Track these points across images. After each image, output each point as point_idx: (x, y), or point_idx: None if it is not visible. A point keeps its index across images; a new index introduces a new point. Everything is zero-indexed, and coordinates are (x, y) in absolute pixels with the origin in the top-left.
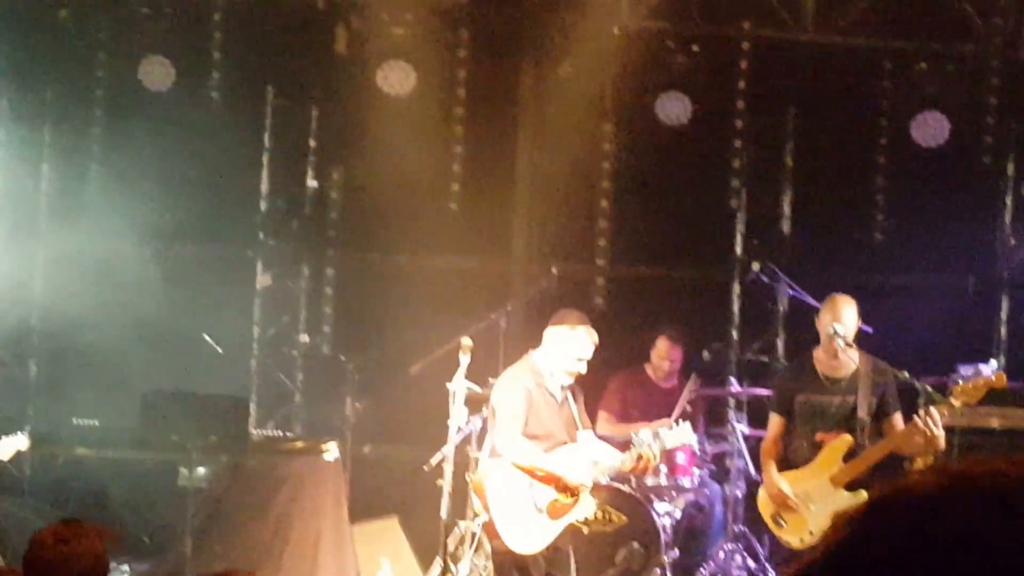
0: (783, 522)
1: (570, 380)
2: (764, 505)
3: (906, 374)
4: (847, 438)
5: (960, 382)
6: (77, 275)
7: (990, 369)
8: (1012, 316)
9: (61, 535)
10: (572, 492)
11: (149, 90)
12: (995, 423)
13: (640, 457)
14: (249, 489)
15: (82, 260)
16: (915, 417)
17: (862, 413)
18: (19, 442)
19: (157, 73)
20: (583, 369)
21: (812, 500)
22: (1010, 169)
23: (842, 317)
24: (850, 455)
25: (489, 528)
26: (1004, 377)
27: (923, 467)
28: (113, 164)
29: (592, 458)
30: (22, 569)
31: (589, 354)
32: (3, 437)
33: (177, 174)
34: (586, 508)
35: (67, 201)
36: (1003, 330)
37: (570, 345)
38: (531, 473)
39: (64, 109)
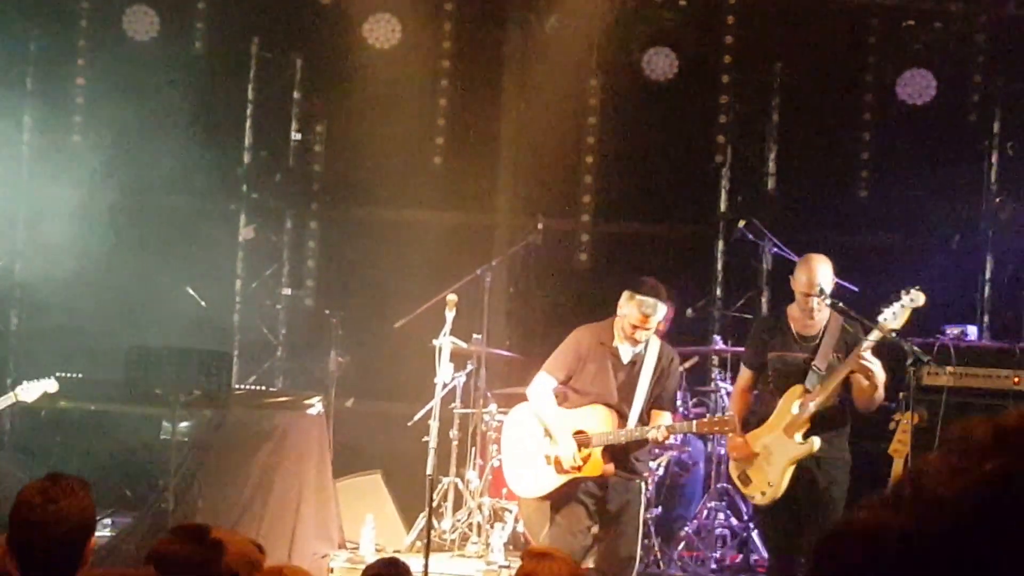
0: (748, 479)
1: (632, 347)
2: (733, 467)
3: (893, 334)
4: (798, 387)
5: (885, 313)
6: (59, 226)
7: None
8: (996, 275)
9: (49, 495)
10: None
11: (133, 40)
12: (981, 383)
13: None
14: (232, 443)
15: (64, 211)
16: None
17: (819, 364)
18: (47, 385)
19: (141, 23)
20: (639, 338)
21: (771, 452)
22: (996, 127)
23: (816, 276)
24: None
25: (499, 469)
26: (923, 297)
27: (903, 431)
28: (96, 114)
29: (576, 428)
30: (8, 526)
31: (643, 324)
32: (29, 381)
33: (160, 125)
34: (592, 469)
35: (49, 152)
36: (987, 289)
37: (624, 311)
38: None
39: (47, 59)
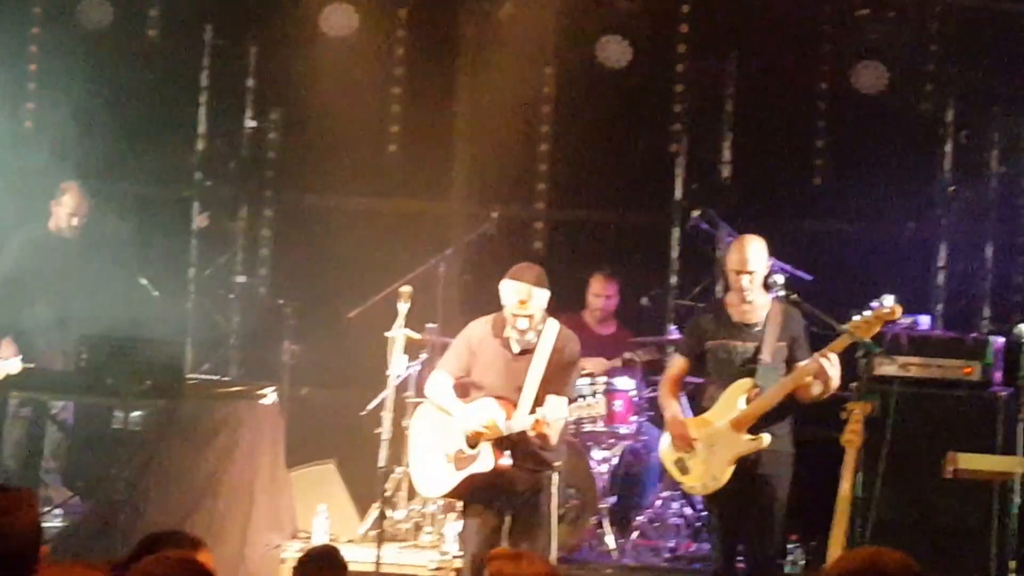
0: (687, 468)
1: (516, 334)
2: (668, 452)
3: (845, 327)
4: (747, 381)
5: (855, 318)
6: (10, 214)
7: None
8: (950, 263)
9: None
10: (473, 444)
11: (86, 28)
12: (932, 373)
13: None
14: (185, 433)
15: (16, 199)
16: (803, 362)
17: (766, 357)
18: (10, 366)
19: (95, 11)
20: (521, 326)
21: (714, 444)
22: (949, 116)
23: (747, 256)
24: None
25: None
26: (898, 310)
27: (855, 420)
28: (49, 102)
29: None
30: None
31: (519, 312)
32: None
33: (114, 113)
34: (485, 463)
35: (1, 140)
36: (941, 277)
37: (505, 299)
38: (444, 411)
39: (0, 45)
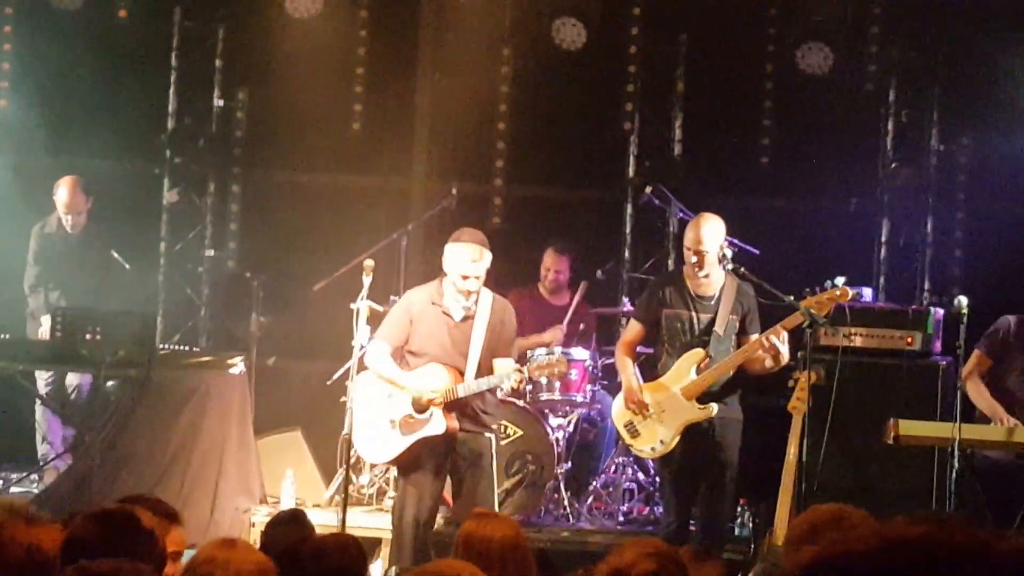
0: (636, 431)
1: (464, 300)
2: (620, 414)
3: (791, 298)
4: (699, 351)
5: (809, 297)
6: None
7: (841, 283)
8: (892, 238)
9: None
10: (423, 409)
11: (58, 8)
12: (875, 343)
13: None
14: (156, 402)
15: None
16: (759, 336)
17: (719, 329)
18: None
19: None
20: (471, 287)
21: (664, 410)
22: (891, 96)
23: (701, 236)
24: (704, 369)
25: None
26: (848, 292)
27: (801, 388)
28: (22, 81)
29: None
30: None
31: (472, 272)
32: None
33: (85, 92)
34: (437, 427)
35: None
36: (883, 251)
37: (450, 264)
38: (390, 383)
39: None
